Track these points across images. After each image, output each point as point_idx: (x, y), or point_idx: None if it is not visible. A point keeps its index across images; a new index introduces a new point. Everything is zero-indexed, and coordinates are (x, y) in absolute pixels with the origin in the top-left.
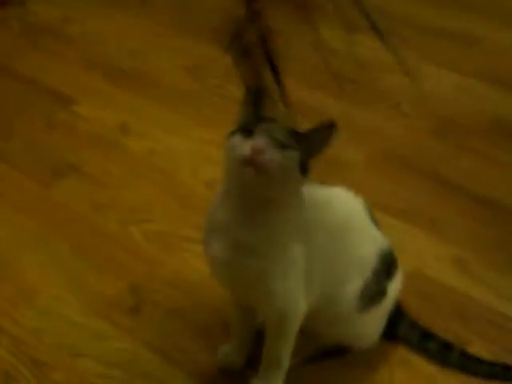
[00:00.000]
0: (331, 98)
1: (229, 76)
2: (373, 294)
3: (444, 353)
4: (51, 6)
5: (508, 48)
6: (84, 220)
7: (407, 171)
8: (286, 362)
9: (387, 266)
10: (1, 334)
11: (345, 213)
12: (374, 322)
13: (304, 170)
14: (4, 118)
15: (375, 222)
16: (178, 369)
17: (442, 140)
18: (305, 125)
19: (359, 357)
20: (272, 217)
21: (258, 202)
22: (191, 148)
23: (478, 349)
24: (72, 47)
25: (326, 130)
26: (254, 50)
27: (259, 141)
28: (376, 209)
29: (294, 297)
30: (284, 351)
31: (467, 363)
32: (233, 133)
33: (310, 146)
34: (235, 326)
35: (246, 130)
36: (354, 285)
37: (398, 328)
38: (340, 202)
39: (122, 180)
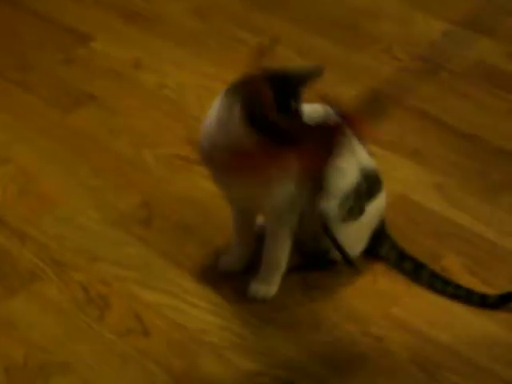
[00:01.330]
0: (328, 41)
1: (234, 19)
2: (352, 208)
3: (417, 271)
4: None
5: None
6: (101, 143)
7: (395, 107)
8: (283, 264)
9: (369, 185)
10: (26, 239)
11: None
12: (353, 236)
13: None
14: (25, 52)
15: (364, 144)
16: (186, 272)
17: (428, 81)
18: None
19: (346, 266)
20: None
21: None
22: (198, 82)
23: (453, 261)
24: None
25: None
26: None
27: None
28: None
29: (288, 199)
30: (282, 253)
31: (435, 282)
32: None
33: None
34: (236, 233)
35: None
36: (334, 197)
37: (380, 247)
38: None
39: (134, 109)
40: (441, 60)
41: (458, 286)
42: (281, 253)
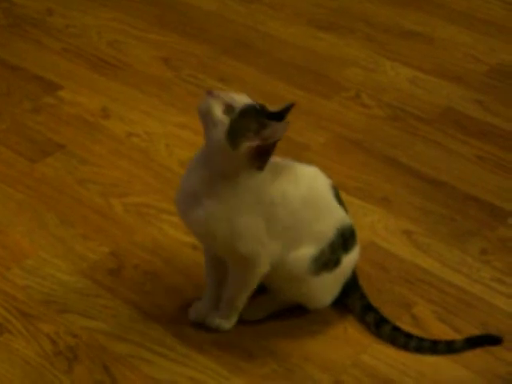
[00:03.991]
0: (295, 88)
1: (201, 67)
2: (326, 261)
3: (378, 326)
4: None
5: (457, 43)
6: (69, 193)
7: (363, 154)
8: (241, 306)
9: (344, 240)
10: None
11: (310, 189)
12: (325, 286)
13: (233, 143)
14: None
15: (341, 201)
16: (155, 322)
17: (396, 127)
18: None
19: (318, 315)
20: (221, 187)
21: (208, 161)
22: (166, 130)
23: (423, 309)
24: (55, 38)
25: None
26: None
27: (216, 90)
28: None
29: (253, 259)
30: (240, 299)
31: (397, 337)
32: None
33: (259, 126)
34: (207, 280)
35: None
36: (308, 251)
37: (347, 297)
38: (307, 179)
39: (103, 158)
40: (409, 107)
41: (422, 339)
42: (238, 295)
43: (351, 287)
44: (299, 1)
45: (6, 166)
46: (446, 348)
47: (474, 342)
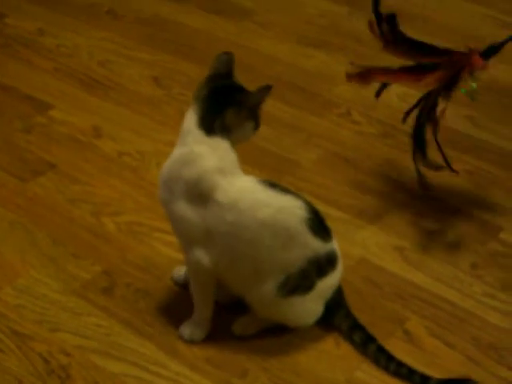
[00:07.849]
0: (286, 105)
1: (191, 85)
2: (295, 286)
3: (365, 344)
4: (27, 20)
5: None
6: (60, 212)
7: (354, 171)
8: (202, 312)
9: (319, 267)
10: None
11: (271, 218)
12: (300, 308)
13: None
14: None
15: (325, 228)
16: (148, 340)
17: (387, 144)
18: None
19: (310, 331)
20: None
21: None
22: (158, 149)
23: (415, 324)
24: (47, 58)
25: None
26: None
27: None
28: (325, 203)
29: (192, 253)
30: (197, 301)
31: (380, 358)
32: None
33: None
34: None
35: None
36: (273, 278)
37: (334, 316)
38: (273, 208)
39: (94, 177)
40: (399, 123)
41: (401, 364)
42: (194, 295)
43: (336, 306)
44: (289, 19)
45: None
46: (420, 381)
47: None
